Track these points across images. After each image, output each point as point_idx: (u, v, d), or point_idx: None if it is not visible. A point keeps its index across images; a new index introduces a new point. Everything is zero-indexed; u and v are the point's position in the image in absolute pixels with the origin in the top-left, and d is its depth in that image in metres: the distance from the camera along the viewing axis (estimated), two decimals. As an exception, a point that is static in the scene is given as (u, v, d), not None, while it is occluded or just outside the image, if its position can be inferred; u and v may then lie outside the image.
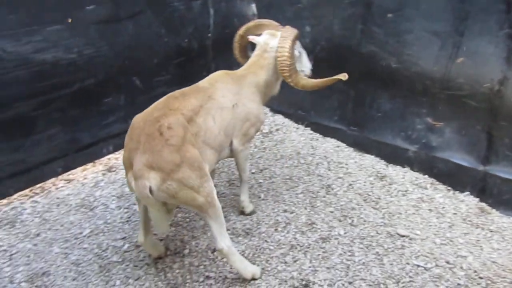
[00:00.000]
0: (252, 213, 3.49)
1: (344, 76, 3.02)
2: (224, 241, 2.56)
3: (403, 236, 3.32)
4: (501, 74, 3.26)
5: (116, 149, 4.14)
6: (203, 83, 2.91)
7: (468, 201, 3.69)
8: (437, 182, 3.94)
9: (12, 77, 3.11)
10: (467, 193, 3.76)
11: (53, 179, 3.74)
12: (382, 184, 3.94)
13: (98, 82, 3.68)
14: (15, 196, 3.52)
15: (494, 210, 3.59)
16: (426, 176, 4.00)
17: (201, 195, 2.40)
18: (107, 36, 3.60)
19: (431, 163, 3.94)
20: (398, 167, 4.17)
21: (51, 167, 3.59)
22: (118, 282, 2.77)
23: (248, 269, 2.76)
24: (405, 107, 3.94)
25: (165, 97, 2.66)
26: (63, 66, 3.32)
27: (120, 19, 3.65)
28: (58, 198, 3.55)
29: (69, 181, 3.75)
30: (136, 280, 2.80)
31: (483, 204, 3.65)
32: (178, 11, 4.11)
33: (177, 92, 2.71)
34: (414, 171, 4.08)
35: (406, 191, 3.84)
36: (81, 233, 3.19)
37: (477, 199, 3.70)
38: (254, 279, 2.81)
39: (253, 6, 4.94)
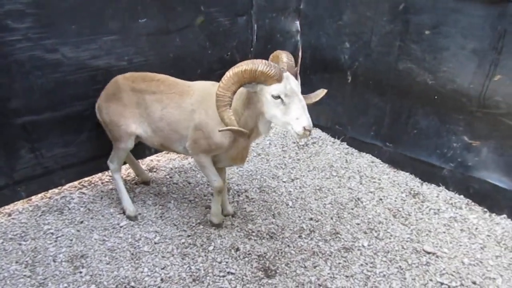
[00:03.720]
0: (217, 226, 3.45)
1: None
2: (111, 162, 3.54)
3: (429, 253, 3.27)
4: (540, 93, 3.17)
5: (157, 152, 4.44)
6: (191, 82, 3.23)
7: (504, 224, 3.56)
8: (473, 203, 3.83)
9: (70, 80, 3.47)
10: (504, 216, 3.63)
11: (99, 174, 4.09)
12: (414, 201, 3.90)
13: (146, 88, 3.99)
14: (66, 186, 3.89)
15: (532, 236, 3.43)
16: (462, 196, 3.91)
17: (109, 129, 3.40)
18: (155, 47, 3.90)
19: (467, 183, 3.85)
20: (433, 186, 4.10)
21: (99, 163, 3.91)
22: (146, 270, 2.98)
23: (124, 202, 3.56)
24: (441, 125, 3.90)
25: (160, 75, 3.34)
26: (114, 72, 3.63)
27: (168, 32, 3.96)
28: (102, 192, 3.87)
29: (114, 177, 4.08)
30: (162, 269, 2.99)
31: (521, 229, 3.51)
32: (223, 26, 4.37)
33: (165, 77, 3.30)
34: (449, 190, 4.00)
35: (438, 209, 3.77)
36: (118, 224, 3.45)
37: (515, 223, 3.56)
38: (129, 217, 3.52)
39: (297, 23, 5.13)
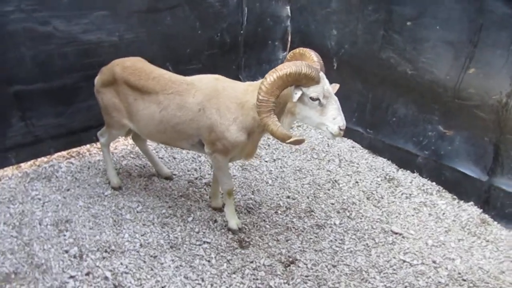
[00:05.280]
0: (235, 231, 3.27)
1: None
2: (101, 136, 3.58)
3: (396, 233, 3.46)
4: (509, 87, 3.32)
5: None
6: (189, 78, 3.02)
7: (470, 211, 3.74)
8: (444, 190, 4.02)
9: (61, 53, 3.60)
10: (471, 203, 3.81)
11: (88, 146, 4.24)
12: (389, 186, 4.08)
13: (135, 64, 4.10)
14: (55, 155, 4.03)
15: (495, 223, 3.63)
16: (434, 183, 4.09)
17: (104, 116, 3.40)
18: (146, 24, 4.01)
19: (439, 170, 4.02)
20: (408, 172, 4.28)
21: (88, 135, 4.06)
22: (126, 235, 3.15)
23: (108, 173, 3.66)
24: (418, 113, 4.06)
25: (156, 70, 3.12)
26: (105, 47, 3.77)
27: (159, 10, 4.06)
28: (90, 162, 4.02)
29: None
30: (142, 235, 3.16)
31: (486, 216, 3.70)
32: (214, 7, 4.47)
33: (161, 73, 3.07)
34: (423, 177, 4.18)
35: (410, 194, 3.96)
36: (103, 193, 3.61)
37: (480, 210, 3.75)
38: (114, 188, 3.65)
39: (288, 8, 5.23)
